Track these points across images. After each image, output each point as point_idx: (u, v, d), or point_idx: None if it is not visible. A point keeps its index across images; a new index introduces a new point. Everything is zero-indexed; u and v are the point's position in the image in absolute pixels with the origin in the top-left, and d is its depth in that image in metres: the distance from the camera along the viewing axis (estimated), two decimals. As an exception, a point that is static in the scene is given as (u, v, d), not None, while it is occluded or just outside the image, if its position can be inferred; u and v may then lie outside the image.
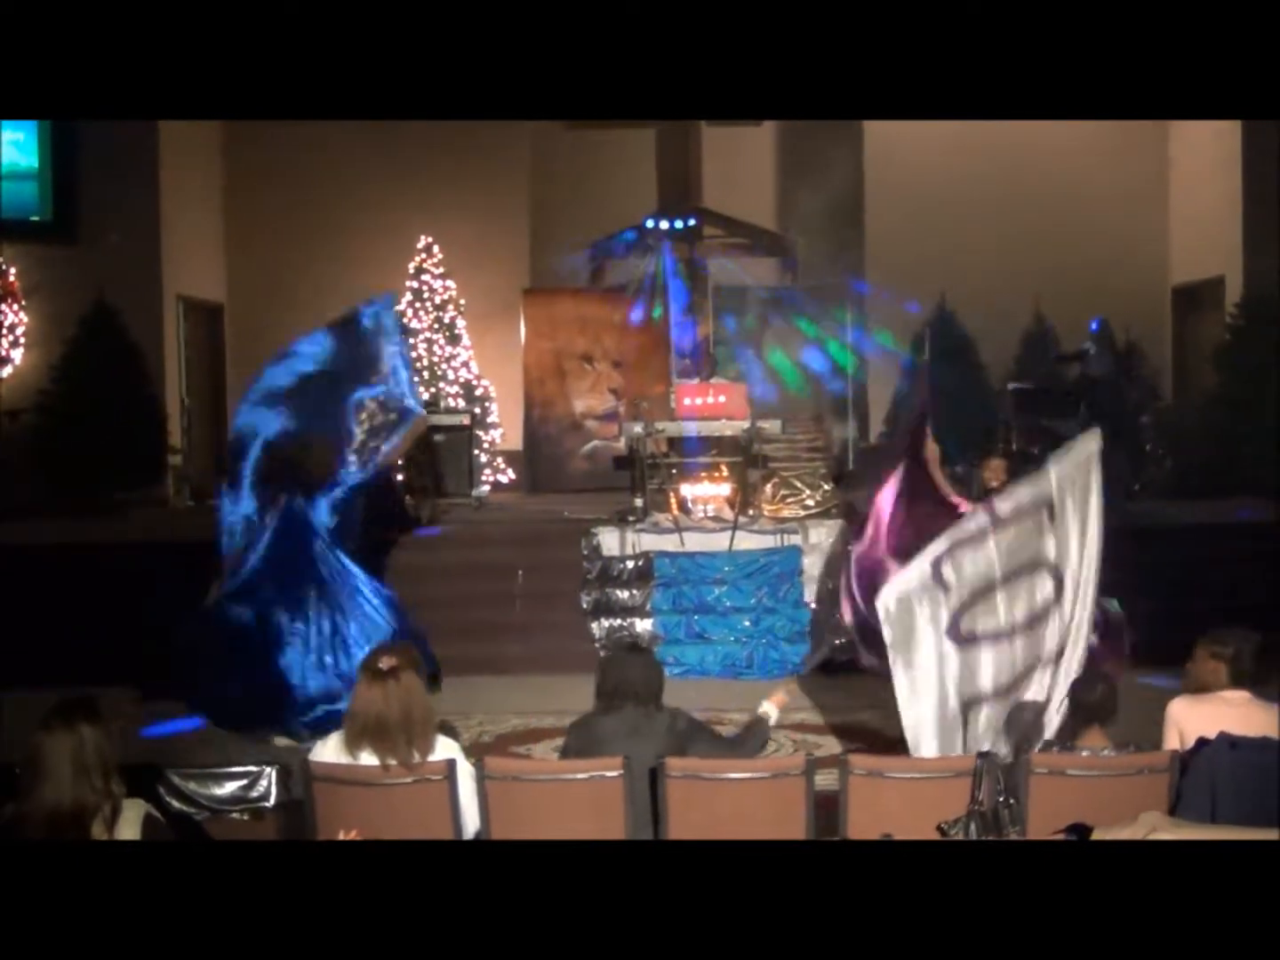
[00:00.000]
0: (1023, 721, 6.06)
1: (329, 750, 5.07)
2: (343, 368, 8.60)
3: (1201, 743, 4.92)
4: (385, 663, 5.01)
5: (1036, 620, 6.15)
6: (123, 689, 7.83)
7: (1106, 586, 10.39)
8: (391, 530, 11.66)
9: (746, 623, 10.35)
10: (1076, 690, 5.47)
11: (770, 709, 5.84)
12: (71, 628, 9.98)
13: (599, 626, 10.36)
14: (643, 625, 10.36)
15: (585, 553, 10.90)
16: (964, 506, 8.00)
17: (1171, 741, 5.38)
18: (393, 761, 4.89)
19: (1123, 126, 15.63)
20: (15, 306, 14.28)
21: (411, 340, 15.29)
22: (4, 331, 14.16)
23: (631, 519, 11.34)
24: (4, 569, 10.36)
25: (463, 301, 15.67)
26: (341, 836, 4.27)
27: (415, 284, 15.52)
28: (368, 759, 4.94)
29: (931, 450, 8.64)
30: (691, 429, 11.81)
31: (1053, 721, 6.03)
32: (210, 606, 8.26)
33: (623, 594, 10.60)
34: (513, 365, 15.79)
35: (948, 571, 5.98)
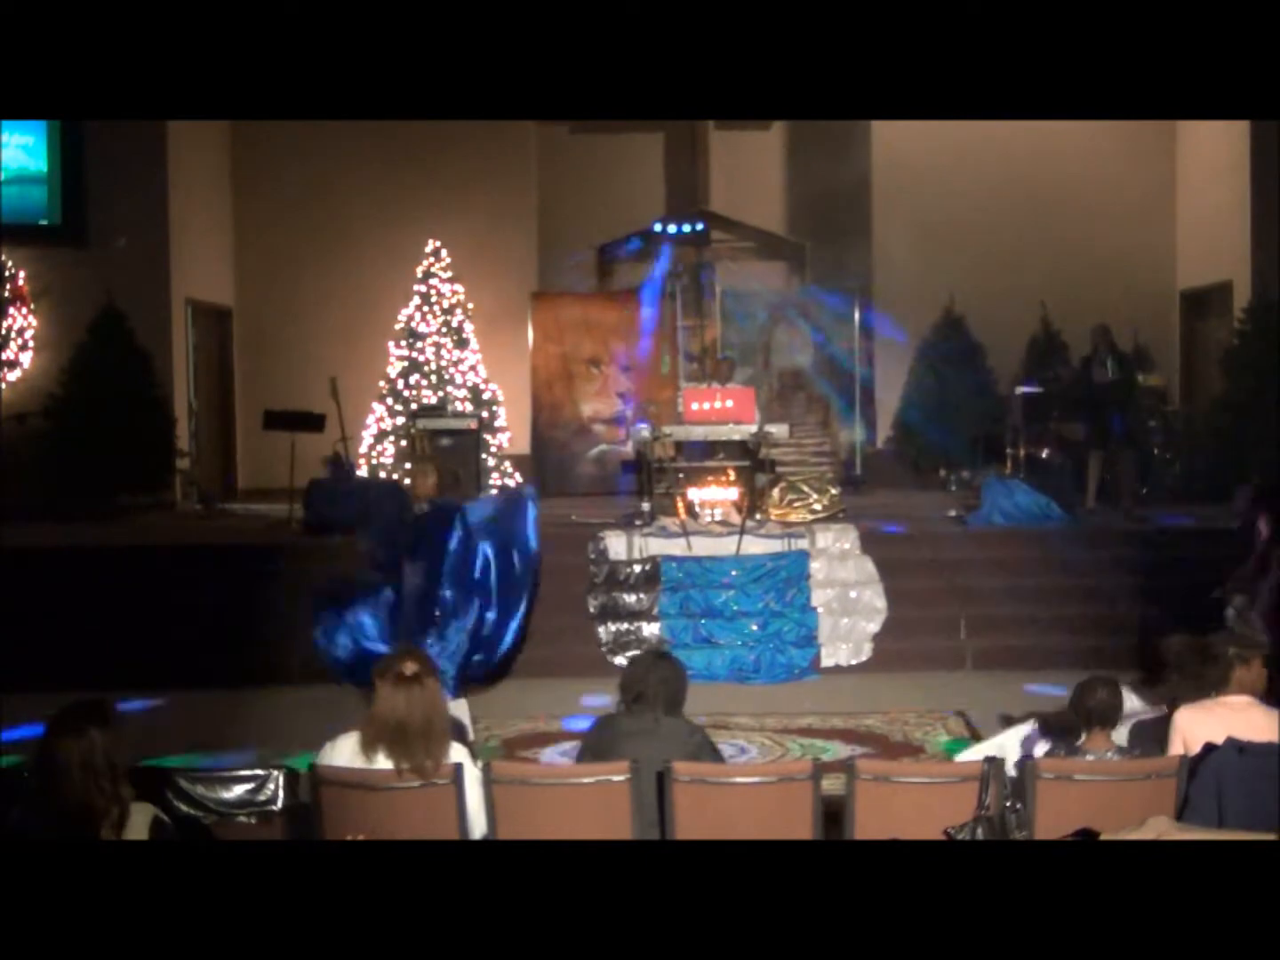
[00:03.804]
0: None
1: (342, 753, 5.07)
2: None
3: (1209, 748, 4.92)
4: (409, 668, 5.00)
5: None
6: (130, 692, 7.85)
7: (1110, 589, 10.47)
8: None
9: (754, 627, 10.35)
10: (1079, 694, 5.46)
11: None
12: (79, 631, 10.01)
13: (606, 630, 10.37)
14: (650, 629, 10.36)
15: (592, 556, 10.91)
16: None
17: (1176, 749, 5.37)
18: (407, 766, 4.89)
19: (1130, 132, 15.64)
20: (24, 310, 14.33)
21: (419, 344, 15.33)
22: (13, 335, 14.20)
23: (639, 523, 11.35)
24: (12, 572, 10.38)
25: (470, 305, 15.68)
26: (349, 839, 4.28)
27: (423, 288, 15.52)
28: (383, 763, 4.94)
29: None
30: (699, 433, 11.82)
31: None
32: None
33: (630, 598, 10.61)
34: (520, 369, 15.81)
35: None
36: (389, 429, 15.17)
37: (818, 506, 11.75)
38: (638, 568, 10.80)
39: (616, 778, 4.94)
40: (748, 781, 5.16)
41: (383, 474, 14.89)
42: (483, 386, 15.47)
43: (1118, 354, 13.25)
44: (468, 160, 16.21)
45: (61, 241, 14.66)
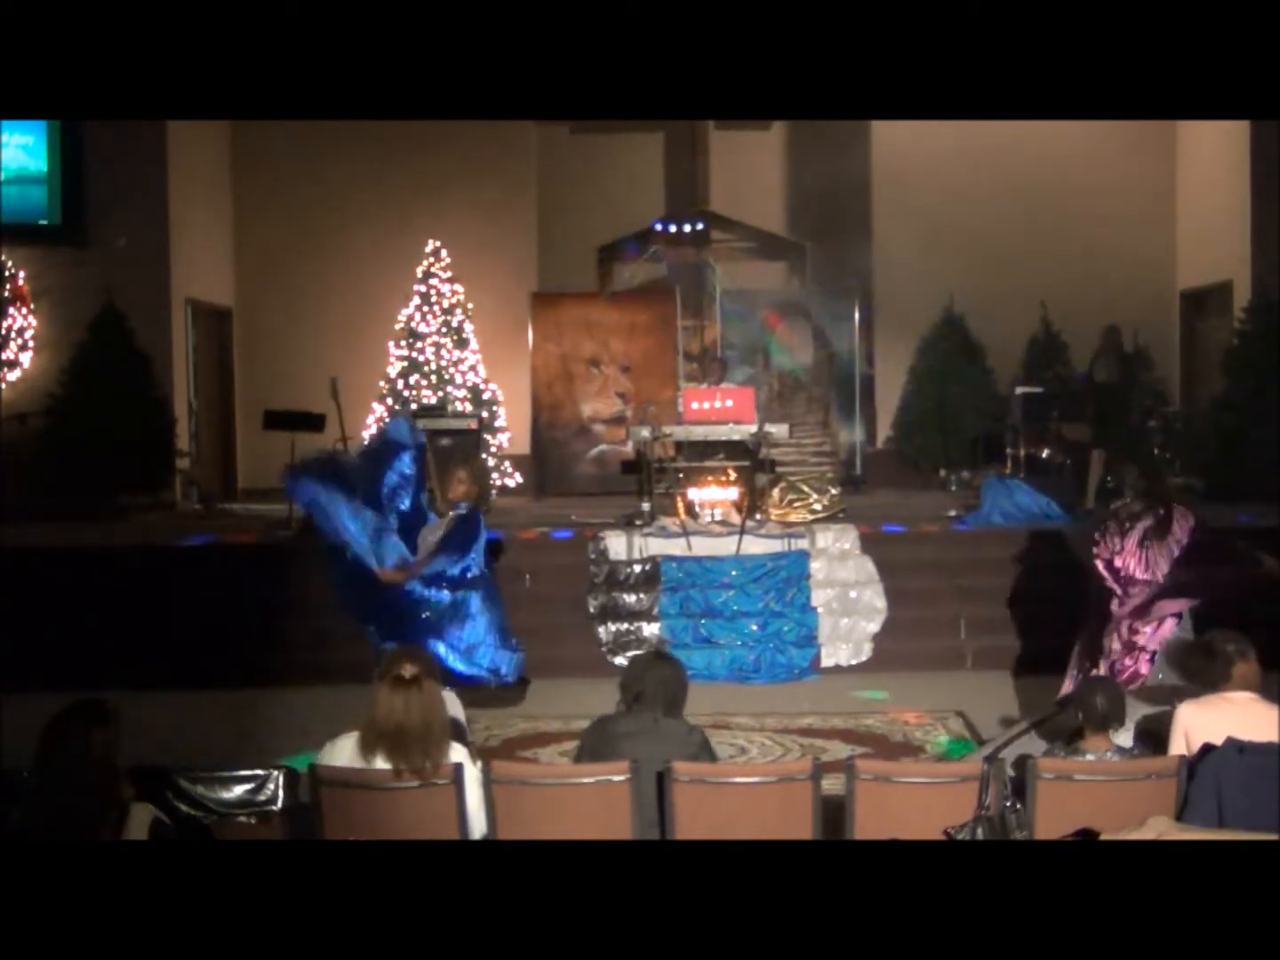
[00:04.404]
0: None
1: (341, 754, 5.07)
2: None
3: (1208, 747, 4.92)
4: (408, 670, 5.00)
5: None
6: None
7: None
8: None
9: (754, 627, 10.35)
10: (1082, 695, 5.47)
11: None
12: (79, 631, 10.01)
13: (606, 630, 10.36)
14: (650, 629, 10.36)
15: (592, 557, 10.91)
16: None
17: (1178, 745, 5.37)
18: (405, 768, 4.89)
19: (1130, 132, 15.64)
20: (24, 310, 14.32)
21: (419, 344, 15.32)
22: (13, 335, 14.19)
23: (639, 523, 11.35)
24: (12, 572, 10.38)
25: (470, 305, 15.68)
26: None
27: (423, 288, 15.52)
28: (381, 765, 4.94)
29: None
30: (699, 433, 11.81)
31: None
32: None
33: (630, 598, 10.60)
34: (520, 369, 15.80)
35: None
36: (389, 429, 15.17)
37: (818, 506, 11.75)
38: (638, 568, 10.79)
39: (616, 778, 4.94)
40: (748, 781, 5.16)
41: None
42: (483, 386, 15.46)
43: (1122, 355, 13.24)
44: (468, 160, 16.20)
45: (61, 241, 14.64)
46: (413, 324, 15.40)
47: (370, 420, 15.13)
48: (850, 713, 8.99)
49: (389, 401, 15.22)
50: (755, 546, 10.92)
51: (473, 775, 5.00)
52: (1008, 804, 4.91)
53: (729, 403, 11.89)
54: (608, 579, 10.74)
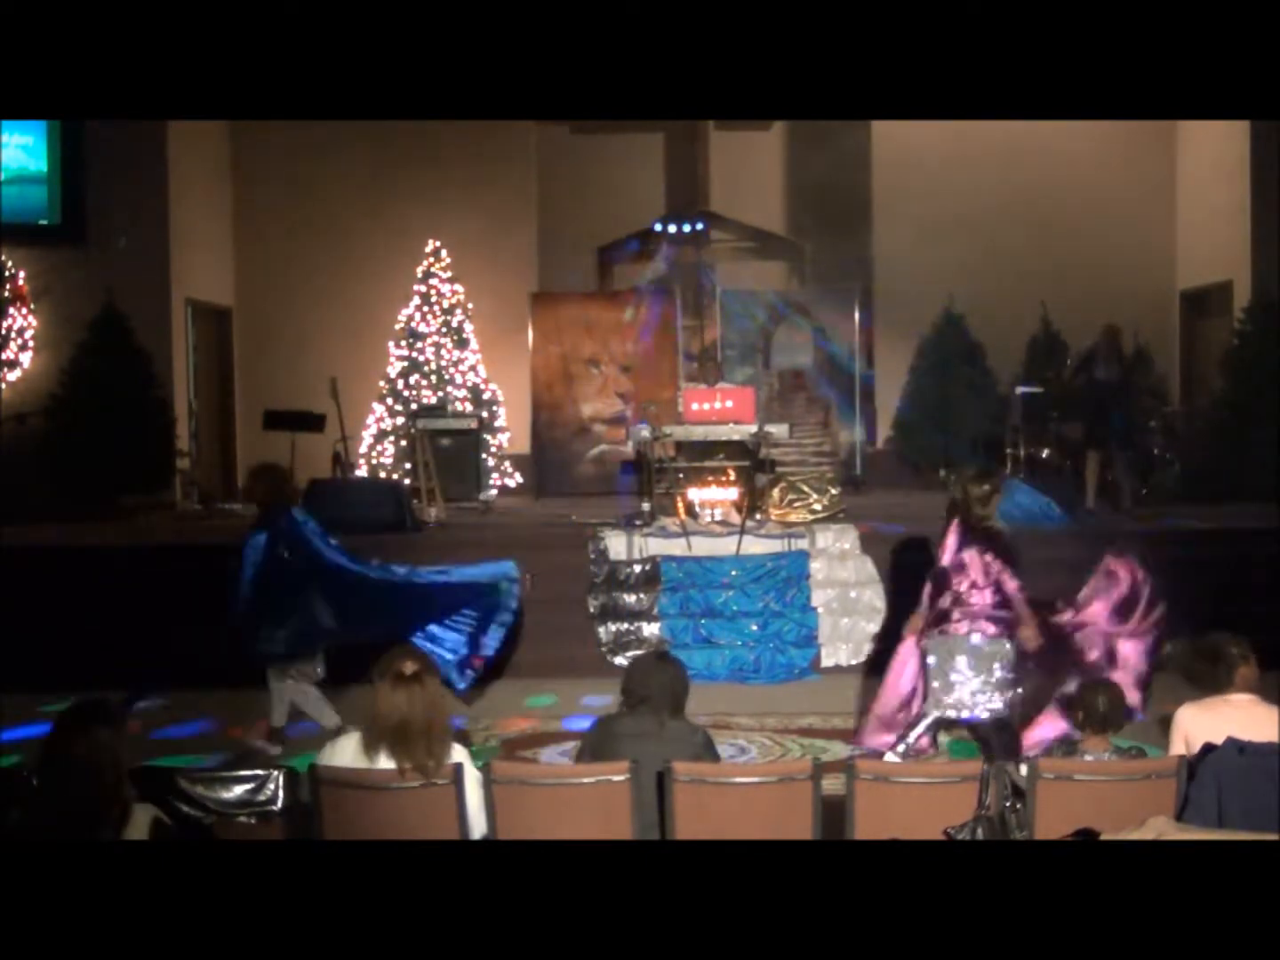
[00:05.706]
0: None
1: (344, 753, 5.07)
2: None
3: (1208, 748, 4.92)
4: (408, 667, 5.01)
5: None
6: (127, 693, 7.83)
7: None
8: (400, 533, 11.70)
9: (754, 627, 10.35)
10: (1083, 697, 5.48)
11: None
12: (79, 631, 10.00)
13: (606, 631, 10.36)
14: (650, 629, 10.35)
15: (592, 557, 10.90)
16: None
17: (1178, 747, 5.38)
18: (409, 765, 4.89)
19: (1130, 132, 15.64)
20: (24, 310, 14.33)
21: (419, 344, 15.34)
22: (13, 335, 14.20)
23: (639, 523, 11.35)
24: (12, 572, 10.37)
25: (470, 305, 15.69)
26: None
27: (423, 288, 15.54)
28: (385, 763, 4.94)
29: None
30: (699, 433, 11.80)
31: None
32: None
33: (630, 598, 10.60)
34: (520, 369, 15.81)
35: None
36: (389, 429, 15.18)
37: (818, 506, 11.75)
38: (638, 568, 10.79)
39: (616, 778, 4.94)
40: (748, 781, 5.16)
41: (382, 474, 14.91)
42: (483, 386, 15.48)
43: (1120, 357, 13.24)
44: (468, 160, 16.20)
45: (61, 241, 14.65)
46: (413, 324, 15.42)
47: (370, 420, 15.15)
48: (850, 713, 8.98)
49: (389, 401, 15.24)
50: (755, 546, 10.92)
51: (473, 776, 5.00)
52: (1008, 804, 4.91)
53: (729, 403, 11.89)
54: (608, 579, 10.74)
